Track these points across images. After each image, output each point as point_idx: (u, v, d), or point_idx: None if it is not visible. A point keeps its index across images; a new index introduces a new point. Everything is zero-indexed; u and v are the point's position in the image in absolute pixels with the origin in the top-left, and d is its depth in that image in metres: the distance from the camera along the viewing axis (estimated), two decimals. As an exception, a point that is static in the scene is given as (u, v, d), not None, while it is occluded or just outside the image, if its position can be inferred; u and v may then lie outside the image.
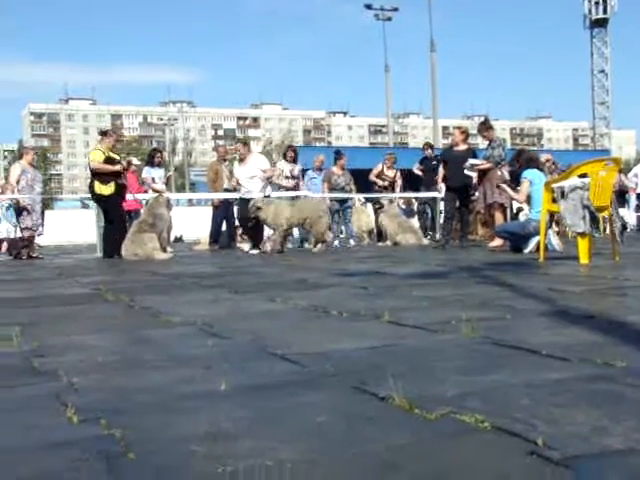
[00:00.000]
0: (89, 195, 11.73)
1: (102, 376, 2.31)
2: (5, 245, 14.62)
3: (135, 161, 15.10)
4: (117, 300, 4.66)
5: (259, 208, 11.30)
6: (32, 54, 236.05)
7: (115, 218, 11.09)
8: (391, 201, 14.15)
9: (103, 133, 11.94)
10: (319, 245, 11.75)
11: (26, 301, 4.90)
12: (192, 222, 18.68)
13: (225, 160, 14.46)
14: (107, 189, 10.98)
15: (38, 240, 13.82)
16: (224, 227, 13.91)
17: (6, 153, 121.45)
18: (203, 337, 3.00)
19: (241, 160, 12.26)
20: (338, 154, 14.62)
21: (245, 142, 12.97)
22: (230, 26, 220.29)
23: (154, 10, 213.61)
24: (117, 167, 11.13)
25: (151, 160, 14.08)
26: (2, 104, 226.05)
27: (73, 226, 20.57)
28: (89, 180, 11.55)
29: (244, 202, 11.87)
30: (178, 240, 18.24)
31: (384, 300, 4.15)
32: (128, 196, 11.67)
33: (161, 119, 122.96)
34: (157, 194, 12.02)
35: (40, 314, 4.05)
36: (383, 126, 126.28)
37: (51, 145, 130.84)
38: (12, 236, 13.28)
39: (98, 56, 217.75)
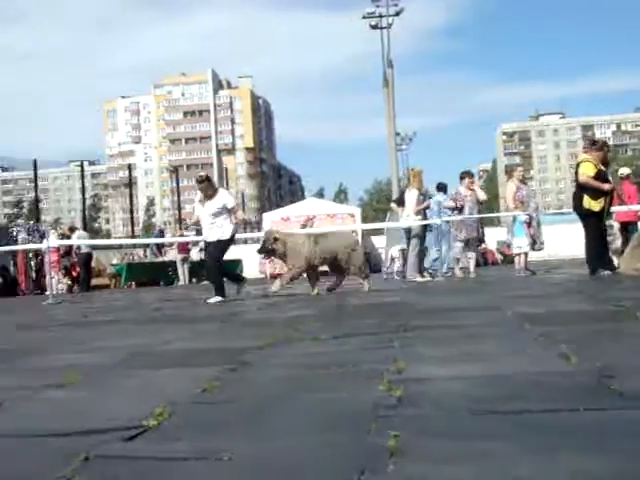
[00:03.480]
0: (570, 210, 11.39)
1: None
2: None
3: (624, 170, 14.38)
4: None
5: (276, 239, 9.92)
6: (498, 75, 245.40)
7: (595, 233, 10.51)
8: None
9: (592, 143, 11.54)
10: (365, 283, 10.19)
11: (540, 317, 4.90)
12: None
13: None
14: (597, 205, 10.47)
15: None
16: None
17: (481, 172, 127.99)
18: None
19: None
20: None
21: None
22: None
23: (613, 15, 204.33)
24: (606, 187, 10.51)
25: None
26: (477, 126, 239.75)
27: (556, 240, 20.53)
28: (575, 192, 11.11)
29: None
30: None
31: None
32: (622, 208, 11.11)
33: (637, 125, 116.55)
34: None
35: (575, 332, 3.97)
36: None
37: (522, 162, 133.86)
38: (524, 251, 13.32)
39: (562, 70, 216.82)
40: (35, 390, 3.04)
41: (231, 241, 10.15)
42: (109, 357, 4.01)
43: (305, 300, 8.92)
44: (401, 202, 13.32)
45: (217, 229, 9.68)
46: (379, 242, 22.88)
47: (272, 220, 23.49)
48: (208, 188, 9.77)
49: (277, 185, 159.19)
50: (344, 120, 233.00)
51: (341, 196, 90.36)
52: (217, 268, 10.01)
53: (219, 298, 9.55)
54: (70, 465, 1.79)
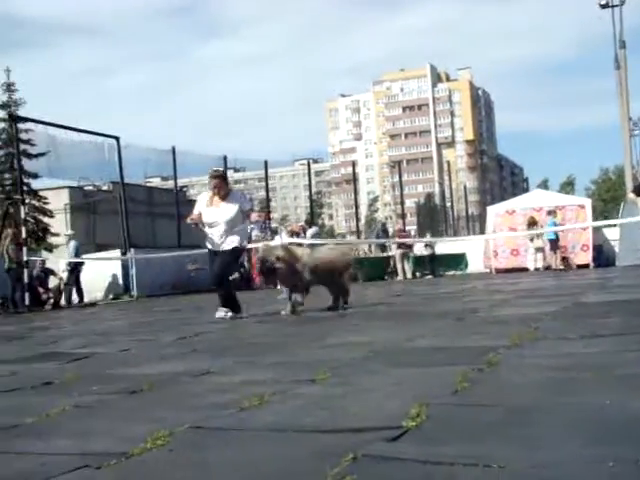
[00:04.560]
0: None
1: None
2: None
3: None
4: None
5: (279, 259, 8.05)
6: None
7: None
8: None
9: None
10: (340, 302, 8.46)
11: None
12: None
13: None
14: None
15: None
16: None
17: None
18: None
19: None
20: None
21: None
22: None
23: None
24: None
25: None
26: None
27: None
28: None
29: None
30: None
31: None
32: None
33: None
34: None
35: None
36: None
37: None
38: None
39: None
40: (288, 385, 3.16)
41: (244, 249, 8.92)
42: (351, 353, 4.10)
43: (542, 297, 8.58)
44: (640, 191, 12.36)
45: (233, 236, 8.08)
46: (611, 234, 21.43)
47: (497, 213, 22.86)
48: (222, 187, 8.14)
49: (499, 177, 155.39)
50: (566, 107, 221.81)
51: (567, 188, 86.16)
52: (228, 278, 8.57)
53: (229, 313, 7.97)
54: (339, 464, 1.83)
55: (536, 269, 19.92)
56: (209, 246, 8.22)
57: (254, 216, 9.47)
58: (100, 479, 1.92)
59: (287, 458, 1.99)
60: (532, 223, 20.15)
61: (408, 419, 2.26)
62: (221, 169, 9.02)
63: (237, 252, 8.39)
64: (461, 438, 2.04)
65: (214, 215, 8.06)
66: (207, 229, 8.13)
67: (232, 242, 8.07)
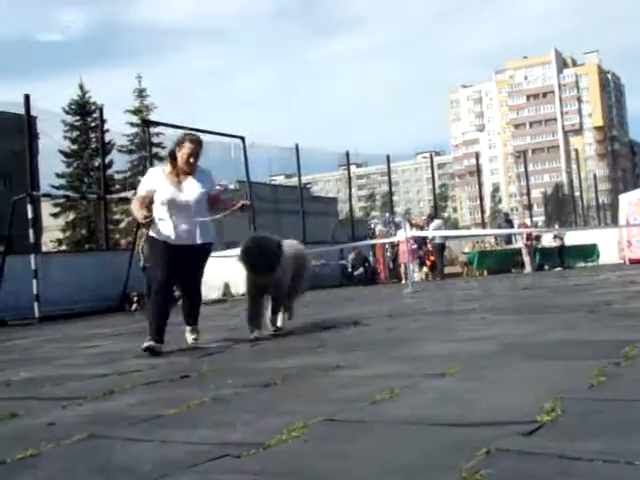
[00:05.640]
0: None
1: None
2: None
3: None
4: None
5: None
6: None
7: None
8: None
9: None
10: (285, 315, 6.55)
11: None
12: None
13: None
14: None
15: None
16: None
17: None
18: None
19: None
20: None
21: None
22: None
23: None
24: None
25: None
26: None
27: None
28: None
29: None
30: None
31: None
32: None
33: None
34: None
35: None
36: None
37: None
38: None
39: None
40: (418, 379, 3.17)
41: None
42: (482, 347, 4.05)
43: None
44: None
45: (206, 225, 5.83)
46: None
47: (630, 201, 21.81)
48: (198, 158, 5.80)
49: (631, 164, 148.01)
50: None
51: None
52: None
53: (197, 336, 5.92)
54: (473, 458, 1.82)
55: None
56: (165, 237, 5.63)
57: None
58: (241, 467, 2.01)
59: (420, 451, 2.01)
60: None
61: (543, 413, 2.23)
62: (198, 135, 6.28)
63: (209, 249, 5.98)
64: (599, 433, 1.99)
65: (180, 193, 5.65)
66: (164, 213, 5.63)
67: (208, 234, 5.82)
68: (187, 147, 5.71)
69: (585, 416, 2.22)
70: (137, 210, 5.70)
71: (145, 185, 5.84)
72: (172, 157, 5.75)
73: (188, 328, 5.96)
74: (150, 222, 5.63)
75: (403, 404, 2.67)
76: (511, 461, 1.80)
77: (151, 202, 5.71)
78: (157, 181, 5.76)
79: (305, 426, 2.37)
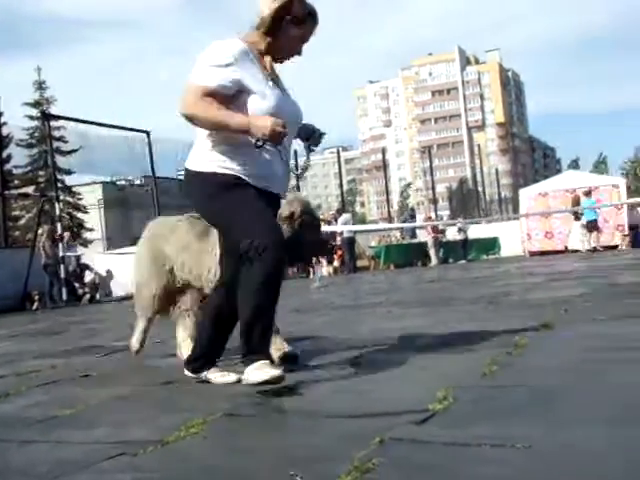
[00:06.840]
0: None
1: None
2: None
3: None
4: None
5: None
6: None
7: None
8: None
9: None
10: None
11: None
12: None
13: None
14: None
15: None
16: None
17: None
18: None
19: None
20: None
21: None
22: None
23: None
24: None
25: None
26: None
27: None
28: None
29: None
30: None
31: None
32: None
33: None
34: None
35: None
36: None
37: None
38: None
39: None
40: (317, 372, 3.21)
41: None
42: (383, 340, 4.13)
43: (575, 279, 8.51)
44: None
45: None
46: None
47: (529, 196, 22.65)
48: None
49: (531, 159, 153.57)
50: (598, 86, 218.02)
51: (601, 167, 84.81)
52: None
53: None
54: (366, 448, 1.86)
55: (589, 250, 18.51)
56: (257, 175, 3.08)
57: None
58: (138, 465, 1.98)
59: (316, 442, 2.03)
60: (577, 203, 19.28)
61: (435, 402, 2.30)
62: None
63: None
64: (488, 420, 2.07)
65: (288, 99, 3.25)
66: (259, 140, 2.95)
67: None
68: (310, 25, 3.19)
69: (475, 403, 2.30)
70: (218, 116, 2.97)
71: (219, 72, 2.98)
72: (271, 27, 3.09)
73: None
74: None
75: (300, 398, 2.70)
76: (403, 449, 1.85)
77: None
78: (246, 69, 3.04)
79: (204, 422, 2.37)
